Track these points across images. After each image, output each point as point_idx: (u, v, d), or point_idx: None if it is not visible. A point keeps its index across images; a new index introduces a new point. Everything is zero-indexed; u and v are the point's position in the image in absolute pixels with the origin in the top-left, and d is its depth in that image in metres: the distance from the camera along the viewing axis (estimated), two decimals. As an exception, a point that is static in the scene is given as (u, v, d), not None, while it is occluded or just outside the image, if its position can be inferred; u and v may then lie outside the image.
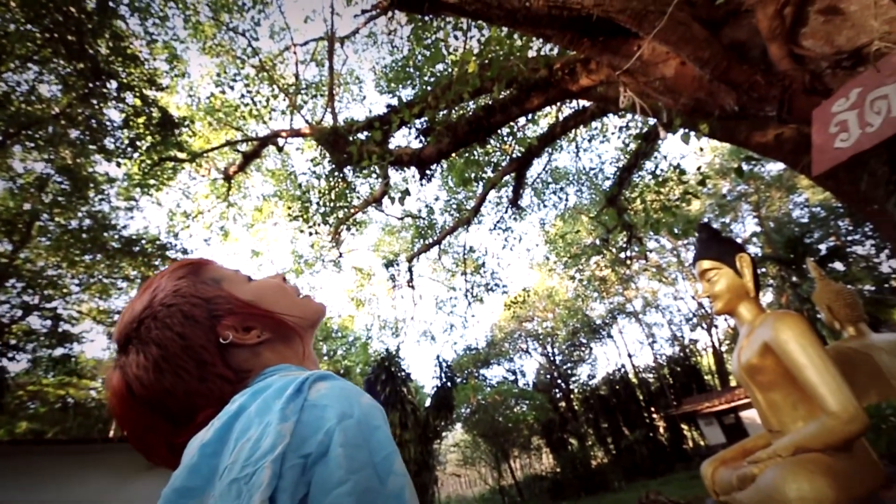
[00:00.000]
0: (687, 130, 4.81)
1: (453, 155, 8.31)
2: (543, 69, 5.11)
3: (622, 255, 13.52)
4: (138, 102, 7.71)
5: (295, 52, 10.11)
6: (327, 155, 9.58)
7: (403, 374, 9.28)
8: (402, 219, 14.04)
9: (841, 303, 5.35)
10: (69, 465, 6.23)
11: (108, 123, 7.74)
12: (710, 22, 3.60)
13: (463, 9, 3.98)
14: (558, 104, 6.70)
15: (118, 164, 7.88)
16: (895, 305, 10.89)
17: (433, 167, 6.82)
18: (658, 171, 9.11)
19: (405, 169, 8.78)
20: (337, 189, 9.34)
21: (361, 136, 7.99)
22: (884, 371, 4.75)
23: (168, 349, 0.59)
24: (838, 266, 14.82)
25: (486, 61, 5.40)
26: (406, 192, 6.07)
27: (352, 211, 10.30)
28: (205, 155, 10.27)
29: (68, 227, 8.45)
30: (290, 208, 9.71)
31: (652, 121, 9.78)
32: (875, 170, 3.87)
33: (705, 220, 17.66)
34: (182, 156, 9.41)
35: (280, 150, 11.03)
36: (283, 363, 0.63)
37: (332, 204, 9.16)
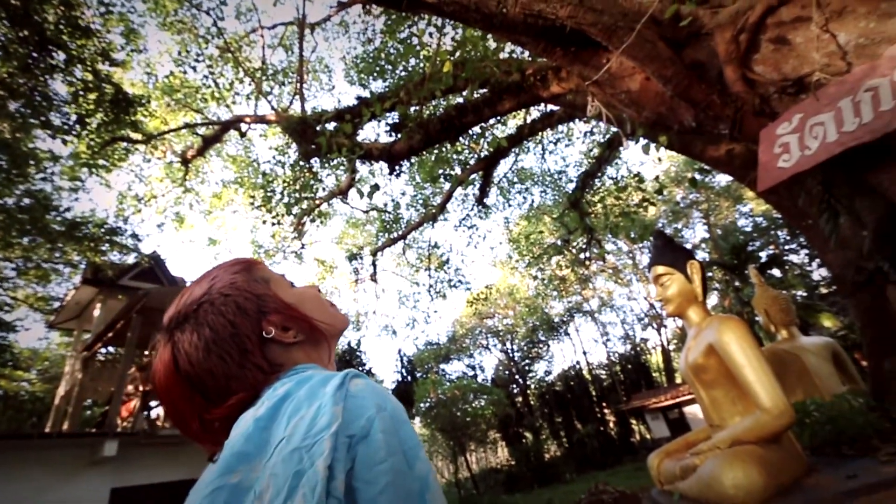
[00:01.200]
0: (648, 141, 5.07)
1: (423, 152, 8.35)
2: (516, 73, 5.23)
3: (582, 255, 14.00)
4: (89, 77, 7.23)
5: (262, 35, 9.79)
6: (293, 144, 9.36)
7: (364, 368, 9.22)
8: (367, 212, 13.91)
9: (777, 308, 5.83)
10: (6, 460, 5.83)
11: (54, 97, 7.22)
12: (673, 42, 3.81)
13: (441, 9, 4.02)
14: (528, 108, 6.85)
15: (64, 142, 7.37)
16: (823, 311, 11.90)
17: (403, 163, 6.82)
18: (619, 178, 9.48)
19: (373, 163, 8.73)
20: (302, 179, 9.14)
21: (330, 126, 7.88)
22: (810, 371, 5.22)
23: (219, 333, 0.66)
24: (776, 273, 16.00)
25: (461, 62, 5.46)
26: (376, 187, 6.04)
27: (317, 202, 10.12)
28: (161, 137, 9.77)
29: (4, 205, 7.84)
30: (252, 197, 9.42)
31: (615, 129, 10.18)
32: (811, 188, 4.24)
33: (659, 225, 18.53)
34: (136, 136, 8.92)
35: (243, 135, 10.66)
36: (311, 363, 0.70)
37: (296, 194, 8.96)
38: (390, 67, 7.50)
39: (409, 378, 9.84)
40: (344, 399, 0.53)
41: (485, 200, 12.48)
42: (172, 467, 7.03)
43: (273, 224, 9.45)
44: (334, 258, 14.81)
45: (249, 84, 9.28)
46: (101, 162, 8.53)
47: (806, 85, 3.39)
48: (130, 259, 9.96)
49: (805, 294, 14.61)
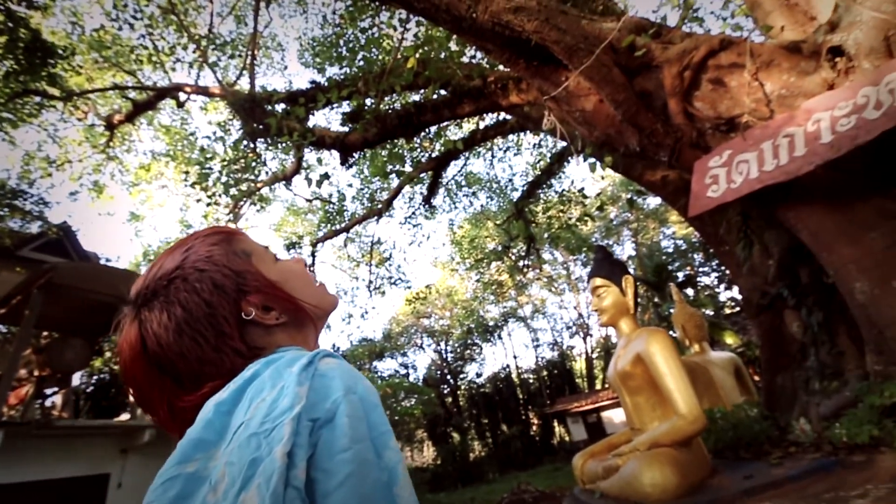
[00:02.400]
0: (594, 160, 5.36)
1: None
2: (478, 79, 5.31)
3: (520, 262, 14.48)
4: (0, 18, 6.36)
5: (212, 1, 9.14)
6: (238, 121, 8.83)
7: (296, 361, 8.90)
8: (310, 201, 13.44)
9: (692, 324, 6.40)
10: None
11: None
12: (627, 69, 4.07)
13: (412, 4, 3.99)
14: (485, 114, 6.97)
15: (-40, 87, 6.43)
16: (726, 329, 13.22)
17: (355, 154, 6.67)
18: (563, 191, 9.91)
19: (322, 150, 8.46)
20: (244, 160, 8.65)
21: (279, 107, 7.53)
22: (716, 382, 5.78)
23: (192, 314, 0.59)
24: (689, 292, 17.55)
25: (424, 60, 5.45)
26: (326, 176, 5.87)
27: (258, 185, 9.62)
28: (84, 95, 8.80)
29: None
30: (186, 172, 8.75)
31: (563, 144, 10.64)
32: (731, 219, 4.72)
33: (593, 240, 19.65)
34: (54, 91, 7.97)
35: (180, 105, 9.88)
36: (294, 346, 0.64)
37: (236, 175, 8.45)
38: (349, 55, 7.30)
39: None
40: (310, 379, 0.48)
41: (432, 200, 12.51)
42: (71, 462, 6.35)
43: (207, 204, 8.84)
44: (272, 246, 14.11)
45: (193, 52, 8.62)
46: (5, 115, 7.52)
47: (736, 125, 3.77)
48: (34, 228, 8.86)
49: (712, 313, 16.17)
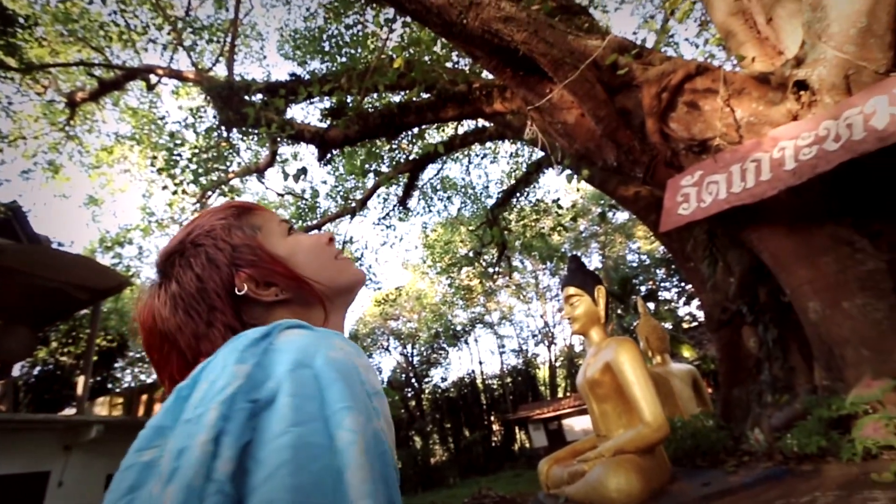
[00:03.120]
0: (571, 172, 5.49)
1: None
2: (463, 84, 5.35)
3: (491, 269, 14.62)
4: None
5: (190, -17, 8.82)
6: (212, 109, 8.55)
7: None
8: (282, 195, 13.13)
9: (656, 336, 6.63)
10: None
11: None
12: (609, 86, 4.20)
13: (403, 5, 3.99)
14: (469, 119, 7.03)
15: None
16: (684, 342, 13.78)
17: (334, 151, 6.59)
18: (538, 201, 10.08)
19: (300, 144, 8.30)
20: (217, 149, 8.37)
21: (256, 97, 7.34)
22: (675, 393, 6.00)
23: (185, 288, 0.59)
24: (651, 306, 18.20)
25: (410, 61, 5.45)
26: (303, 170, 5.76)
27: (229, 175, 9.34)
28: (45, 69, 8.31)
29: None
30: (153, 157, 8.38)
31: (538, 155, 10.86)
32: (698, 236, 4.93)
33: (563, 251, 20.11)
34: (10, 62, 7.49)
35: (150, 88, 9.49)
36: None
37: (207, 163, 8.17)
38: (335, 49, 7.21)
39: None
40: (260, 355, 0.43)
41: (407, 202, 12.47)
42: (7, 458, 5.92)
43: (174, 192, 8.50)
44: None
45: (168, 33, 8.30)
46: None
47: (708, 147, 3.95)
48: (-21, 206, 8.25)
49: (671, 327, 16.82)
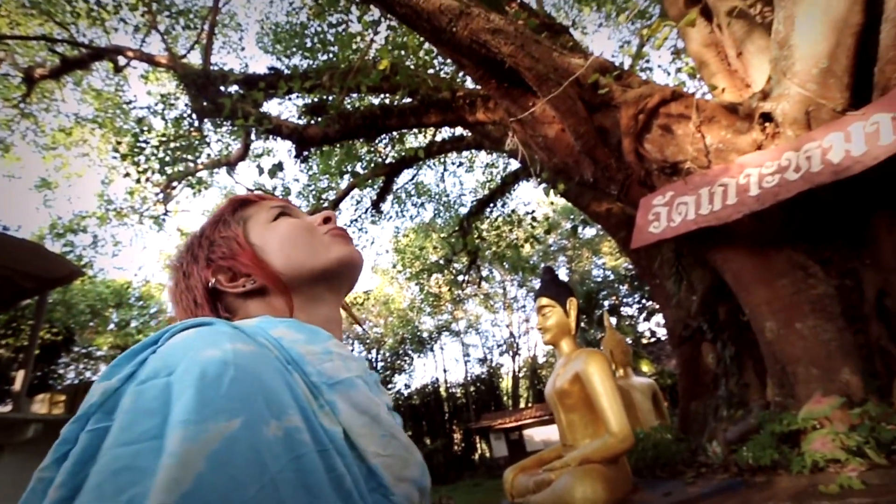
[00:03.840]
0: (548, 184, 5.61)
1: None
2: (447, 91, 5.39)
3: (460, 277, 14.68)
4: None
5: (168, -34, 8.52)
6: (183, 97, 8.25)
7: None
8: (251, 191, 12.79)
9: (619, 349, 6.82)
10: None
11: None
12: (589, 104, 4.34)
13: (393, 7, 4.00)
14: (451, 127, 7.07)
15: None
16: (644, 357, 14.27)
17: (312, 149, 6.48)
18: (512, 212, 10.22)
19: (276, 139, 8.12)
20: (186, 138, 8.08)
21: (232, 88, 7.14)
22: (636, 405, 6.17)
23: (177, 284, 0.61)
24: (613, 320, 18.77)
25: (395, 64, 5.46)
26: (279, 166, 5.63)
27: (197, 166, 9.02)
28: (2, 41, 7.81)
29: None
30: (118, 143, 7.99)
31: (513, 167, 11.05)
32: (665, 254, 5.14)
33: (531, 263, 20.47)
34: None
35: (118, 70, 9.06)
36: (266, 315, 0.56)
37: (176, 153, 7.86)
38: (319, 46, 7.12)
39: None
40: (137, 366, 0.39)
41: (380, 206, 12.39)
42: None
43: (137, 180, 8.13)
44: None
45: (142, 14, 7.97)
46: None
47: (679, 170, 4.13)
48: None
49: (631, 342, 17.38)
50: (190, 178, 8.86)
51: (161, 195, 9.91)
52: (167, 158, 8.10)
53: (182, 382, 0.36)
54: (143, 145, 7.73)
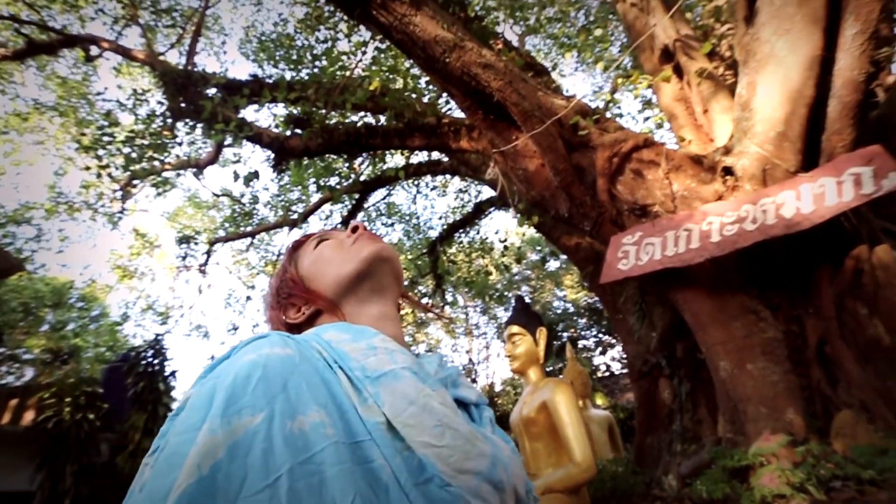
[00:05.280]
0: (523, 215, 5.79)
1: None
2: (432, 117, 5.53)
3: (425, 300, 14.64)
4: None
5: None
6: (161, 94, 8.01)
7: (166, 370, 7.85)
8: (218, 196, 12.43)
9: (580, 381, 6.96)
10: None
11: None
12: (569, 143, 4.57)
13: (390, 33, 4.12)
14: (433, 152, 7.20)
15: None
16: (598, 390, 14.60)
17: (291, 160, 6.42)
18: (483, 240, 10.39)
19: (253, 147, 7.99)
20: (157, 137, 7.80)
21: (210, 91, 7.02)
22: (593, 437, 6.29)
23: (268, 323, 0.73)
24: (568, 353, 19.20)
25: (384, 86, 5.56)
26: (255, 174, 5.54)
27: (164, 166, 8.70)
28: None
29: None
30: (82, 134, 7.62)
31: (486, 194, 11.30)
32: (630, 291, 5.38)
33: (494, 291, 20.74)
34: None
35: (89, 60, 8.71)
36: (332, 324, 0.63)
37: (144, 150, 7.57)
38: (308, 60, 7.15)
39: (216, 389, 8.70)
40: (209, 370, 0.47)
41: (351, 222, 12.29)
42: None
43: (98, 175, 7.74)
44: (159, 235, 12.62)
45: (123, 7, 7.76)
46: None
47: (648, 212, 4.39)
48: None
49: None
50: (155, 177, 8.52)
51: (120, 192, 9.46)
52: (133, 155, 7.79)
53: (222, 384, 0.42)
54: (109, 139, 7.41)
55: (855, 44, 3.26)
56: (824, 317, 3.71)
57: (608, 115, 5.75)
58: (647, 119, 7.56)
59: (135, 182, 9.22)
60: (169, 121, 7.64)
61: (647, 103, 7.02)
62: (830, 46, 3.41)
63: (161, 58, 8.13)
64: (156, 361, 7.59)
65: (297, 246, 0.77)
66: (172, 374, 7.78)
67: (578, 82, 47.51)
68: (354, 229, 0.73)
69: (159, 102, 7.75)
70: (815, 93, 3.49)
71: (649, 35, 4.77)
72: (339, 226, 11.79)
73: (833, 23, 3.39)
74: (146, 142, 7.96)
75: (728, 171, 4.08)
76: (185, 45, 8.83)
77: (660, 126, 6.81)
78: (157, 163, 8.49)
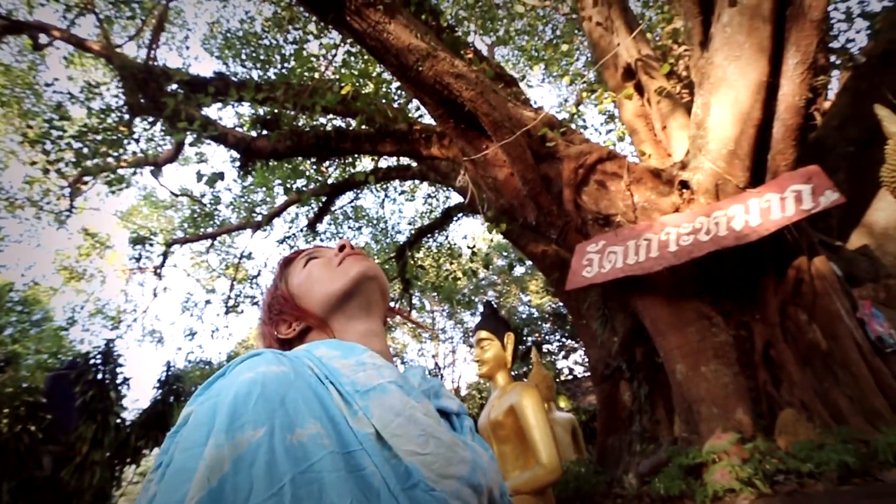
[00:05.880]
0: (491, 222, 5.89)
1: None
2: (403, 123, 5.56)
3: (392, 304, 14.53)
4: None
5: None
6: (116, 88, 7.65)
7: (119, 378, 7.44)
8: (177, 196, 11.95)
9: (545, 385, 7.13)
10: None
11: None
12: (537, 154, 4.71)
13: (364, 40, 4.14)
14: (404, 157, 7.21)
15: None
16: (562, 393, 14.95)
17: (257, 162, 6.28)
18: (451, 246, 10.47)
19: (218, 146, 7.74)
20: (112, 132, 7.44)
21: (174, 87, 6.77)
22: (557, 439, 6.44)
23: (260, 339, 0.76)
24: (532, 358, 19.57)
25: (356, 91, 5.55)
26: (219, 175, 5.39)
27: (119, 163, 8.30)
28: None
29: None
30: (28, 126, 7.16)
31: (455, 200, 11.41)
32: (593, 297, 5.58)
33: (460, 296, 20.90)
34: None
35: (37, 48, 8.20)
36: (321, 340, 0.66)
37: (98, 146, 7.19)
38: (277, 60, 7.02)
39: (171, 398, 8.25)
40: (205, 388, 0.50)
41: (317, 226, 12.11)
42: None
43: (45, 171, 7.29)
44: (111, 235, 11.96)
45: (78, -6, 7.37)
46: None
47: (611, 222, 4.59)
48: None
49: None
50: (108, 174, 8.10)
51: (68, 189, 8.94)
52: (85, 150, 7.39)
53: (223, 401, 0.44)
54: (59, 133, 7.01)
55: (796, 72, 3.55)
56: (769, 323, 3.99)
57: (573, 126, 5.99)
58: (609, 132, 7.89)
59: (86, 179, 8.75)
60: (126, 116, 7.31)
61: (611, 117, 7.33)
62: (775, 73, 3.70)
63: (118, 50, 7.78)
64: (107, 369, 7.19)
65: (287, 263, 0.78)
66: (125, 381, 7.40)
67: (545, 93, 48.72)
68: (342, 248, 0.74)
69: (115, 96, 7.41)
70: (762, 115, 3.77)
71: (613, 53, 4.99)
72: (304, 228, 11.59)
73: (778, 52, 3.68)
74: (100, 137, 7.59)
75: (684, 184, 4.33)
76: (145, 38, 8.50)
77: (621, 139, 7.12)
78: (111, 159, 8.08)
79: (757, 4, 3.67)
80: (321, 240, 13.83)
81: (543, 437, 3.58)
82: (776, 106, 3.75)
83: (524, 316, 23.02)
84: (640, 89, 5.27)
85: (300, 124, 6.23)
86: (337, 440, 0.46)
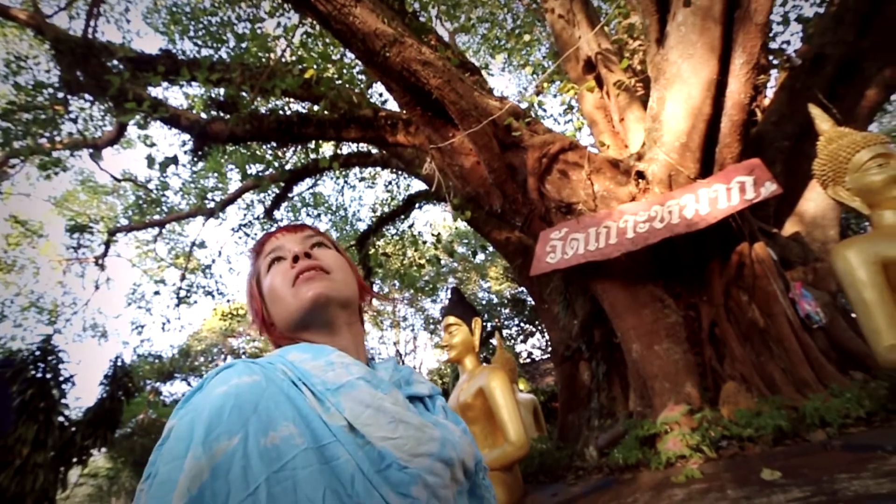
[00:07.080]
0: (457, 210, 5.96)
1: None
2: (368, 109, 5.48)
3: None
4: None
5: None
6: (45, 61, 7.02)
7: (60, 376, 6.98)
8: (120, 181, 11.19)
9: (508, 367, 7.33)
10: None
11: None
12: (502, 143, 4.80)
13: (329, 23, 4.04)
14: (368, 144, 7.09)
15: None
16: (521, 376, 15.48)
17: (213, 146, 5.99)
18: (415, 234, 10.47)
19: (170, 129, 7.29)
20: (45, 111, 6.85)
21: (115, 63, 6.30)
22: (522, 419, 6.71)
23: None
24: (494, 342, 20.05)
25: (319, 75, 5.40)
26: (173, 160, 5.11)
27: (54, 144, 7.67)
28: None
29: None
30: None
31: (416, 187, 11.38)
32: (555, 282, 5.80)
33: (421, 283, 20.99)
34: None
35: (-49, 15, 7.36)
36: (290, 345, 0.68)
37: (28, 126, 6.60)
38: (227, 37, 6.67)
39: (120, 394, 7.80)
40: (184, 403, 0.54)
41: (274, 213, 11.74)
42: None
43: (-34, 151, 6.62)
44: (44, 223, 11.05)
45: (-1, -42, 6.64)
46: None
47: (573, 210, 4.77)
48: None
49: (510, 361, 18.69)
50: (42, 157, 7.47)
51: (-7, 172, 8.17)
52: (12, 130, 6.78)
53: (199, 416, 0.48)
54: (-18, 111, 6.38)
55: (742, 71, 3.82)
56: (715, 303, 4.32)
57: (532, 115, 6.11)
58: (567, 122, 8.12)
59: (13, 161, 8.03)
60: (60, 94, 6.74)
61: (569, 108, 7.54)
62: (724, 72, 3.96)
63: (49, 21, 7.12)
64: (46, 366, 6.72)
65: (257, 253, 0.77)
66: (67, 379, 6.95)
67: (506, 82, 48.95)
68: (295, 259, 0.70)
69: (47, 71, 6.81)
70: (712, 110, 4.03)
71: (576, 47, 5.13)
72: (261, 216, 11.19)
73: (726, 52, 3.94)
74: (30, 116, 6.98)
75: (640, 175, 4.57)
76: (78, 8, 7.82)
77: (579, 129, 7.36)
78: (43, 140, 7.45)
79: (709, 6, 3.90)
80: (279, 226, 13.41)
81: (512, 416, 3.74)
82: (724, 102, 4.02)
83: (484, 302, 23.48)
84: (599, 82, 5.46)
85: (260, 108, 5.99)
86: (311, 436, 0.51)
